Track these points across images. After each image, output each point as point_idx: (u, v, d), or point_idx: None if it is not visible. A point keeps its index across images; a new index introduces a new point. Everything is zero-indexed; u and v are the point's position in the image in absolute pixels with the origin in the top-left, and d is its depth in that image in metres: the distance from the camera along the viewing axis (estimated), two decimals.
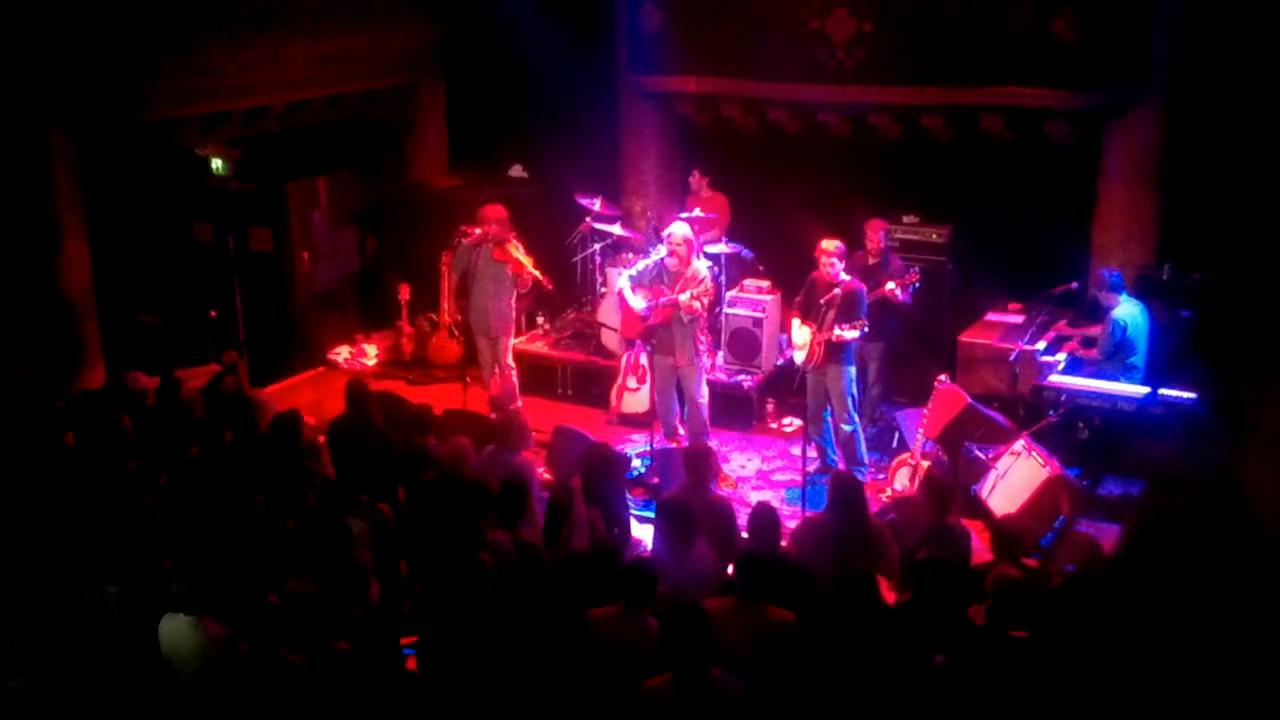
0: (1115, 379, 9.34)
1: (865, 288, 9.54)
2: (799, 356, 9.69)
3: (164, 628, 5.78)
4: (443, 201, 13.15)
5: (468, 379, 11.06)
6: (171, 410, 8.91)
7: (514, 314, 10.93)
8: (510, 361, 10.90)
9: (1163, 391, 9.02)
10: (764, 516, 6.98)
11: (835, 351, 9.47)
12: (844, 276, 9.45)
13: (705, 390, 10.14)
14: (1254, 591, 6.14)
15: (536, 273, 10.48)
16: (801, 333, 9.61)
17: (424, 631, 6.13)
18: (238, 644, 5.65)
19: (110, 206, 11.25)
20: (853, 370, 9.70)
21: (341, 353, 12.93)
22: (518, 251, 10.52)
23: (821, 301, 9.44)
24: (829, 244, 9.51)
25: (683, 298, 9.67)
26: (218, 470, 7.74)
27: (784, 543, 7.28)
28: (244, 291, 11.56)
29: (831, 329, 9.33)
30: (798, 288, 10.40)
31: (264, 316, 12.10)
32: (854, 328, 9.26)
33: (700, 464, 7.87)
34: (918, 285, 10.06)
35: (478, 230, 10.57)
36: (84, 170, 10.59)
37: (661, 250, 9.92)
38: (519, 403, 10.84)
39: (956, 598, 5.97)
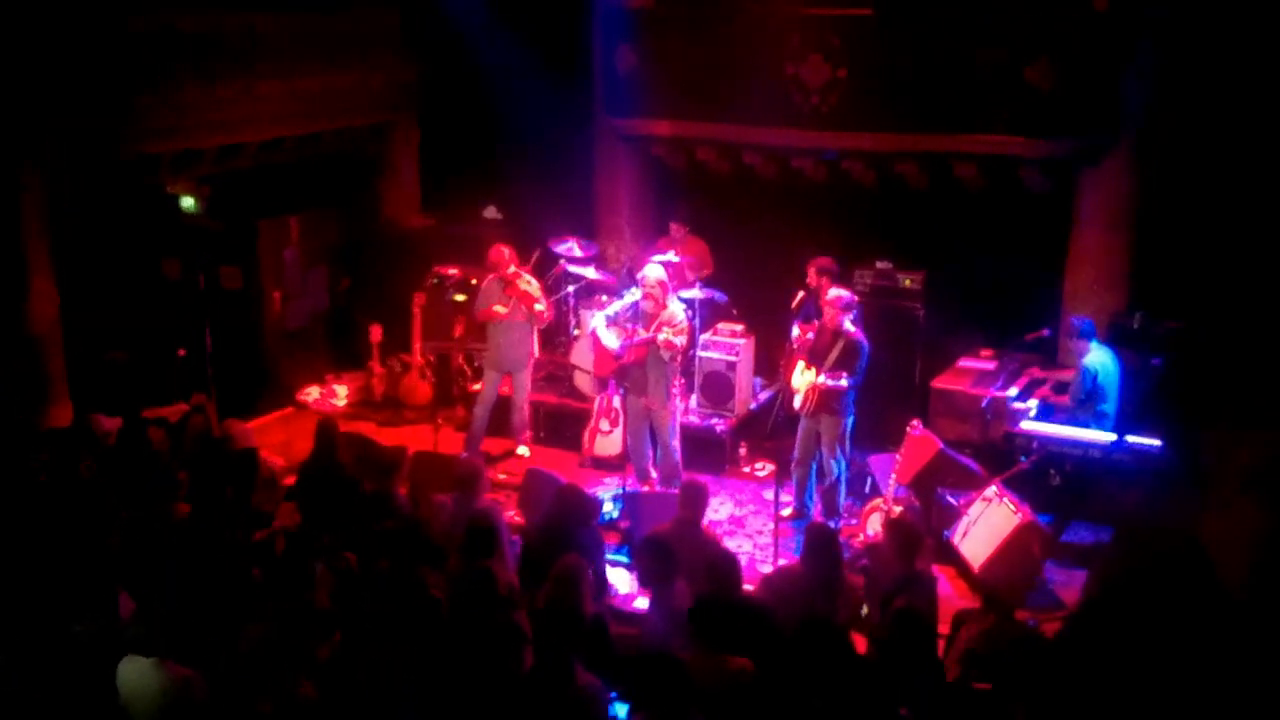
0: (1086, 426, 9.34)
1: (867, 342, 9.50)
2: (797, 400, 9.68)
3: (123, 670, 5.66)
4: (415, 241, 13.11)
5: (439, 420, 10.98)
6: (136, 450, 8.81)
7: (529, 351, 11.04)
8: (525, 398, 11.11)
9: (1131, 439, 9.05)
10: (722, 563, 6.84)
11: (829, 400, 9.44)
12: (849, 327, 9.44)
13: (678, 433, 10.11)
14: (1215, 642, 6.14)
15: (539, 305, 10.76)
16: (803, 377, 9.59)
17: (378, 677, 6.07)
18: (201, 687, 5.55)
19: (79, 242, 11.15)
20: (850, 421, 9.68)
21: (311, 393, 12.83)
22: (527, 285, 10.71)
23: (823, 349, 9.44)
24: (833, 293, 9.53)
25: (661, 336, 9.66)
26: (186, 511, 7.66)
27: (753, 589, 7.23)
28: (213, 330, 11.47)
29: (821, 376, 9.33)
30: (771, 332, 10.39)
31: (233, 355, 11.99)
32: (835, 379, 9.24)
33: (695, 499, 7.81)
34: (858, 311, 10.05)
35: (453, 271, 10.70)
36: (53, 205, 10.51)
37: (637, 293, 9.93)
38: (528, 433, 11.18)
39: (931, 647, 5.93)
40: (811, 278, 10.20)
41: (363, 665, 6.10)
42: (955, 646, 6.26)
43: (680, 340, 9.77)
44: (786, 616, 6.52)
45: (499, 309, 10.70)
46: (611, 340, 9.98)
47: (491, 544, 7.07)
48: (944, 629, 6.81)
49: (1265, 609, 6.75)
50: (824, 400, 9.44)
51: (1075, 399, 9.50)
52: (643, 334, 9.77)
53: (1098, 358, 9.48)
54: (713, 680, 5.69)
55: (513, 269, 10.79)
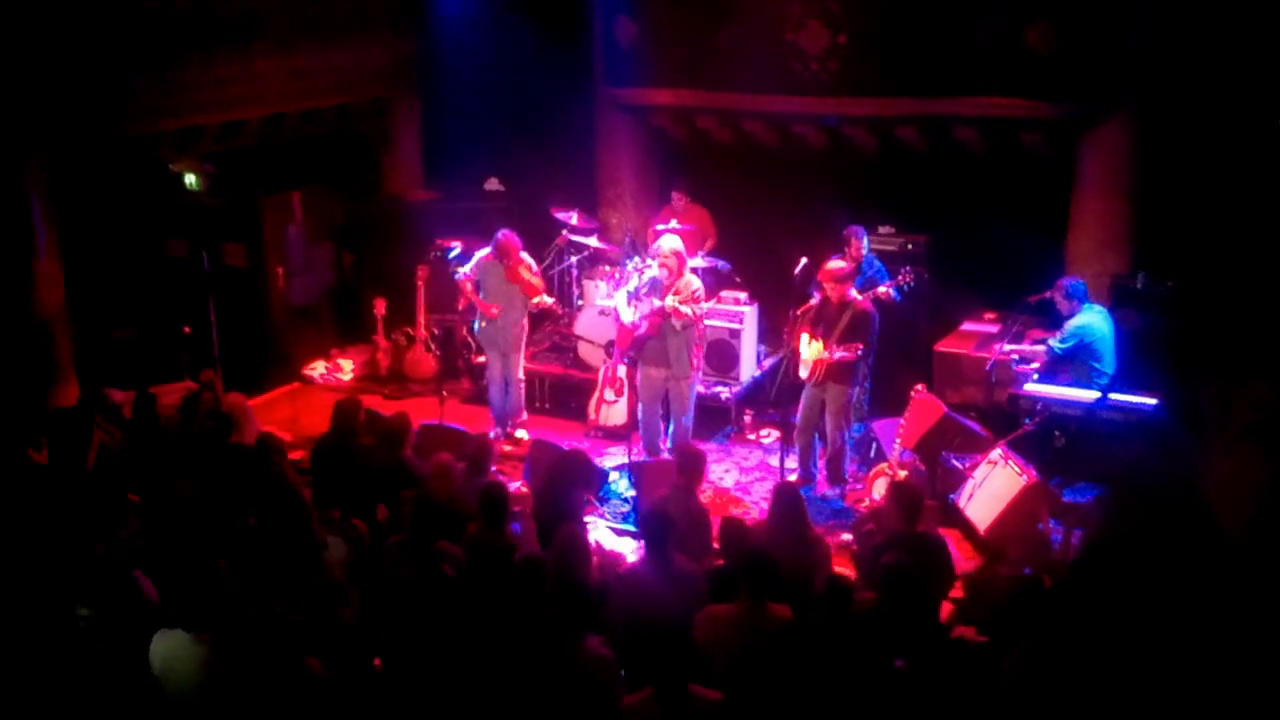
0: (1088, 387, 9.37)
1: (876, 312, 9.52)
2: (803, 371, 9.68)
3: (158, 645, 5.70)
4: (418, 215, 13.13)
5: (444, 393, 11.03)
6: (148, 427, 8.86)
7: (523, 332, 11.02)
8: (520, 376, 11.05)
9: (1125, 397, 9.07)
10: (734, 529, 7.13)
11: (838, 371, 9.46)
12: (855, 296, 9.46)
13: (694, 407, 10.11)
14: (1214, 593, 6.18)
15: (546, 298, 10.84)
16: (810, 348, 9.59)
17: (392, 650, 6.13)
18: (237, 659, 5.59)
19: (84, 222, 11.20)
20: (857, 391, 9.70)
21: (317, 368, 12.88)
22: (528, 274, 10.69)
23: (829, 320, 9.45)
24: (830, 265, 9.52)
25: (668, 301, 9.65)
26: (197, 488, 7.70)
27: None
28: (218, 307, 11.50)
29: (832, 349, 9.34)
30: (774, 299, 10.40)
31: (239, 332, 12.02)
32: (849, 350, 9.26)
33: (692, 467, 7.85)
34: (911, 284, 10.10)
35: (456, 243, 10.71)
36: (57, 186, 10.53)
37: (654, 266, 9.89)
38: (524, 416, 11.12)
39: (923, 603, 5.99)
40: (855, 248, 10.28)
41: (376, 637, 6.19)
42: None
43: (689, 310, 9.72)
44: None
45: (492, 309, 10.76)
46: (629, 315, 10.00)
47: (503, 509, 7.13)
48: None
49: (1264, 558, 6.80)
50: (833, 370, 9.46)
51: (1049, 354, 9.53)
52: (655, 303, 9.77)
53: (1085, 319, 9.50)
54: (763, 629, 5.83)
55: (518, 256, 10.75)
